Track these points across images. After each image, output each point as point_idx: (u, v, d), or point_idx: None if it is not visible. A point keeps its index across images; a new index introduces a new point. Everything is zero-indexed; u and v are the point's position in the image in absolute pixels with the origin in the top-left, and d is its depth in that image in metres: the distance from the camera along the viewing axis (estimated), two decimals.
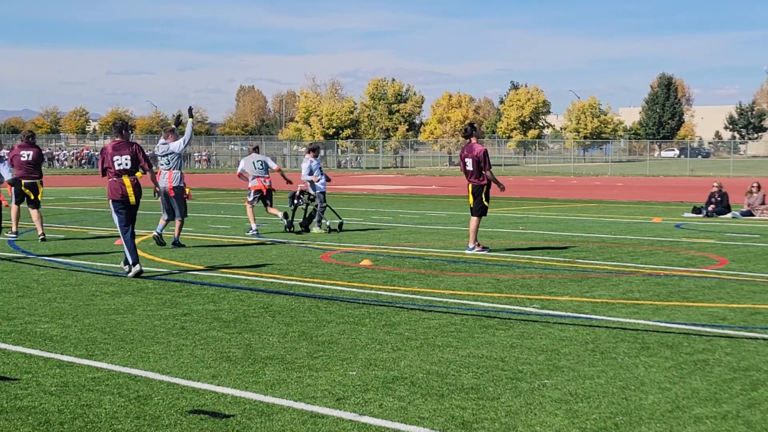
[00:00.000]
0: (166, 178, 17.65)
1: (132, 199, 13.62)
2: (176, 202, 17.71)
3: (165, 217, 17.80)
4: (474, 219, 16.97)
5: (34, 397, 6.83)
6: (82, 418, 6.31)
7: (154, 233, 17.66)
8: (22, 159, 18.95)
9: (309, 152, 22.20)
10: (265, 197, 20.93)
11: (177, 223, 17.74)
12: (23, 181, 18.77)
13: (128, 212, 13.68)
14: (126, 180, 13.63)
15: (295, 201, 21.79)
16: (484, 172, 16.96)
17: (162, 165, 17.77)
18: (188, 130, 18.08)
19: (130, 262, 13.37)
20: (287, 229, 20.94)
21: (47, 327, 9.53)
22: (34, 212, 18.88)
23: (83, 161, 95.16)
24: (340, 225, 21.58)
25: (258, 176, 20.90)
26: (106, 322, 9.81)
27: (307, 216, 21.52)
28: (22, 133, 20.26)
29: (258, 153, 21.50)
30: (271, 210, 21.22)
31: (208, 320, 9.97)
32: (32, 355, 8.24)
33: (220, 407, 6.60)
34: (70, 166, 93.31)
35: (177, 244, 17.62)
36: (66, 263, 14.85)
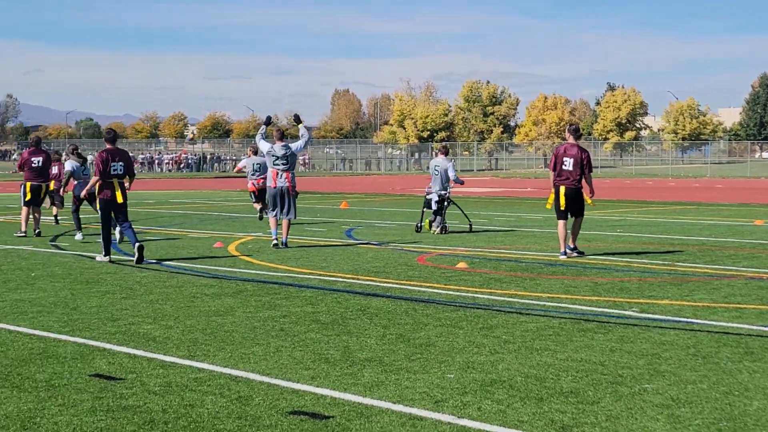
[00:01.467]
0: (284, 178, 18.19)
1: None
2: (292, 202, 18.23)
3: (273, 214, 18.25)
4: (563, 222, 16.47)
5: (139, 396, 6.97)
6: (185, 418, 6.43)
7: (275, 241, 18.08)
8: (33, 164, 20.92)
9: (446, 154, 22.87)
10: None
11: (286, 222, 18.26)
12: (30, 184, 20.83)
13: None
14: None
15: (444, 204, 21.98)
16: (585, 175, 16.54)
17: (278, 166, 18.15)
18: (304, 132, 18.94)
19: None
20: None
21: (150, 328, 9.73)
22: (37, 210, 20.97)
23: (182, 165, 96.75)
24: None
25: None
26: (206, 324, 9.97)
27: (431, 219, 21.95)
28: (31, 139, 22.59)
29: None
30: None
31: (307, 322, 10.07)
32: (136, 355, 8.42)
33: (320, 408, 6.66)
34: (170, 170, 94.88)
35: (286, 244, 18.12)
36: (167, 265, 15.11)
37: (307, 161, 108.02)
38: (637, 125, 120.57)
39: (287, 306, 11.11)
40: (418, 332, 9.51)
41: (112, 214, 16.09)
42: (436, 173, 22.02)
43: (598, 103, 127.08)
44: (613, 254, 16.97)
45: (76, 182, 20.70)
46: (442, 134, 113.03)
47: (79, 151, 21.83)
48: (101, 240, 15.95)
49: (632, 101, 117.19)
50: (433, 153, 23.91)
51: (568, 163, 16.46)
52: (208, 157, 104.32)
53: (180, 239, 19.97)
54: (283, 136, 18.58)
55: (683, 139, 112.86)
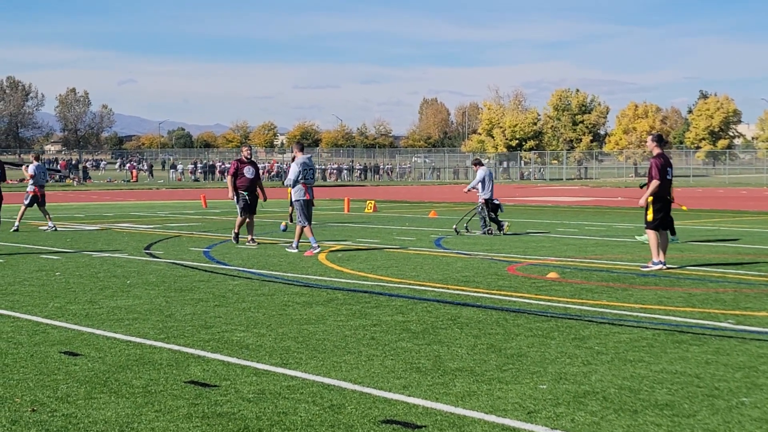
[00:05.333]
0: (312, 191, 19.22)
1: None
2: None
3: (306, 223, 19.11)
4: (659, 233, 16.11)
5: (233, 403, 7.06)
6: (278, 425, 6.49)
7: (319, 248, 18.88)
8: (246, 175, 21.33)
9: (480, 165, 25.53)
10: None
11: (300, 228, 19.25)
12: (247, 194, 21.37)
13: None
14: None
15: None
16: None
17: (309, 180, 19.14)
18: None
19: None
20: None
21: (243, 336, 9.84)
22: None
23: (272, 174, 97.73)
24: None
25: None
26: (298, 332, 10.05)
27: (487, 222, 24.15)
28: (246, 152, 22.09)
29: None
30: None
31: (397, 331, 10.09)
32: (230, 362, 8.52)
33: (412, 418, 6.66)
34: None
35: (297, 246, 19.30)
36: (258, 274, 15.28)
37: (394, 170, 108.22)
38: (731, 133, 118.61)
39: (378, 315, 11.15)
40: (509, 342, 9.47)
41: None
42: (491, 180, 24.88)
43: (690, 112, 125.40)
44: (707, 265, 16.69)
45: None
46: (531, 143, 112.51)
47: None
48: None
49: (725, 109, 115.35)
50: (477, 163, 25.05)
51: (671, 173, 16.14)
52: None
53: (270, 248, 20.16)
54: (303, 148, 19.62)
55: None
